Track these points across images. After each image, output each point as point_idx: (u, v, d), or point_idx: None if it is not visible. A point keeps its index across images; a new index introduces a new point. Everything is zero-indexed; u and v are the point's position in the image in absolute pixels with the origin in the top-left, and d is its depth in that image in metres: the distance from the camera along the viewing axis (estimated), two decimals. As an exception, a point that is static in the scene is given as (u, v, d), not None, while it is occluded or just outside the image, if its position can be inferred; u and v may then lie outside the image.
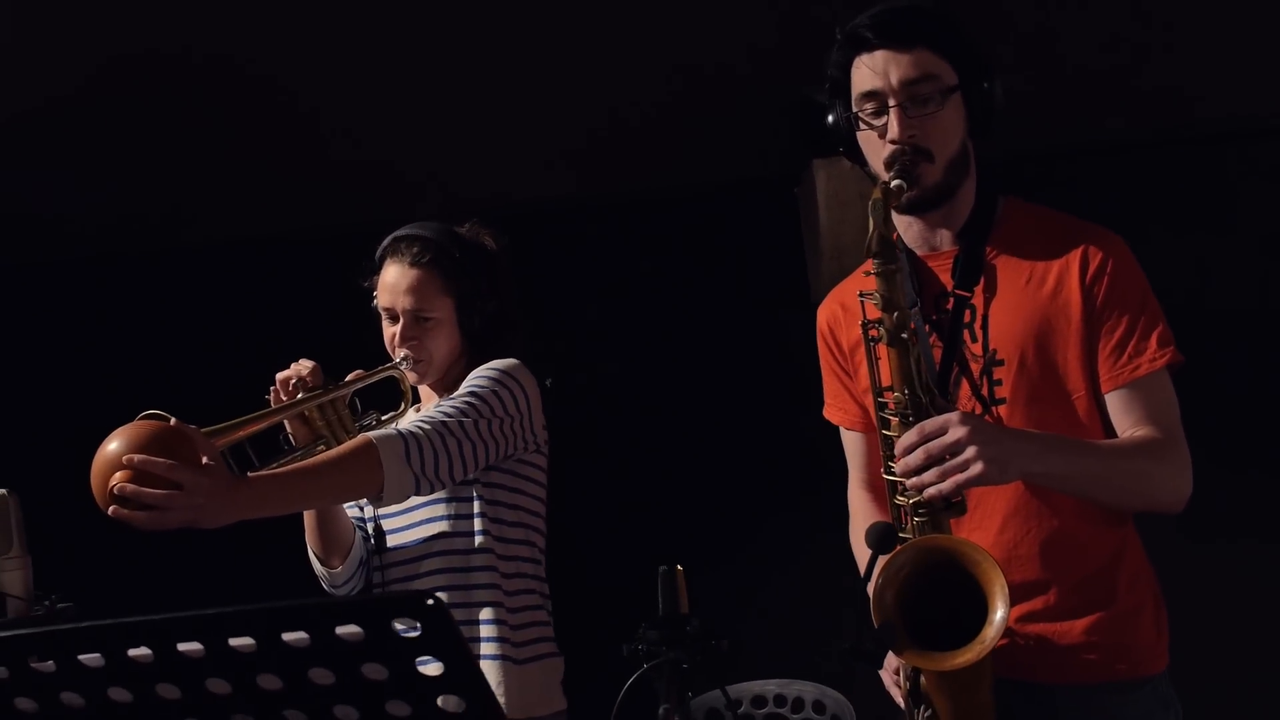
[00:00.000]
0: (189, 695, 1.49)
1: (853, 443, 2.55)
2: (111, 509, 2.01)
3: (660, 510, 4.16)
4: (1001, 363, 2.25)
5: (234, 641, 1.43)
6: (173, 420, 2.08)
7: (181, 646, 1.45)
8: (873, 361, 2.19)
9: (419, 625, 1.38)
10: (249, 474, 2.22)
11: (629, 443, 4.26)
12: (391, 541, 2.65)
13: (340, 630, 1.40)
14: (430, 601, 1.35)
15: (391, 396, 2.73)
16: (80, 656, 1.47)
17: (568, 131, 4.19)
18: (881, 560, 2.01)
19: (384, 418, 2.65)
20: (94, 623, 1.47)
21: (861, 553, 2.54)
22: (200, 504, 2.04)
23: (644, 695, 1.97)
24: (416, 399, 2.80)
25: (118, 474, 2.00)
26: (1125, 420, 2.22)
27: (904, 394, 2.11)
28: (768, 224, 4.33)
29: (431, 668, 1.42)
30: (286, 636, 1.42)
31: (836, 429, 2.57)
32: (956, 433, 2.04)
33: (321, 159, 4.13)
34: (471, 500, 2.60)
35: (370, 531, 2.69)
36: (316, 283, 3.79)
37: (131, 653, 1.47)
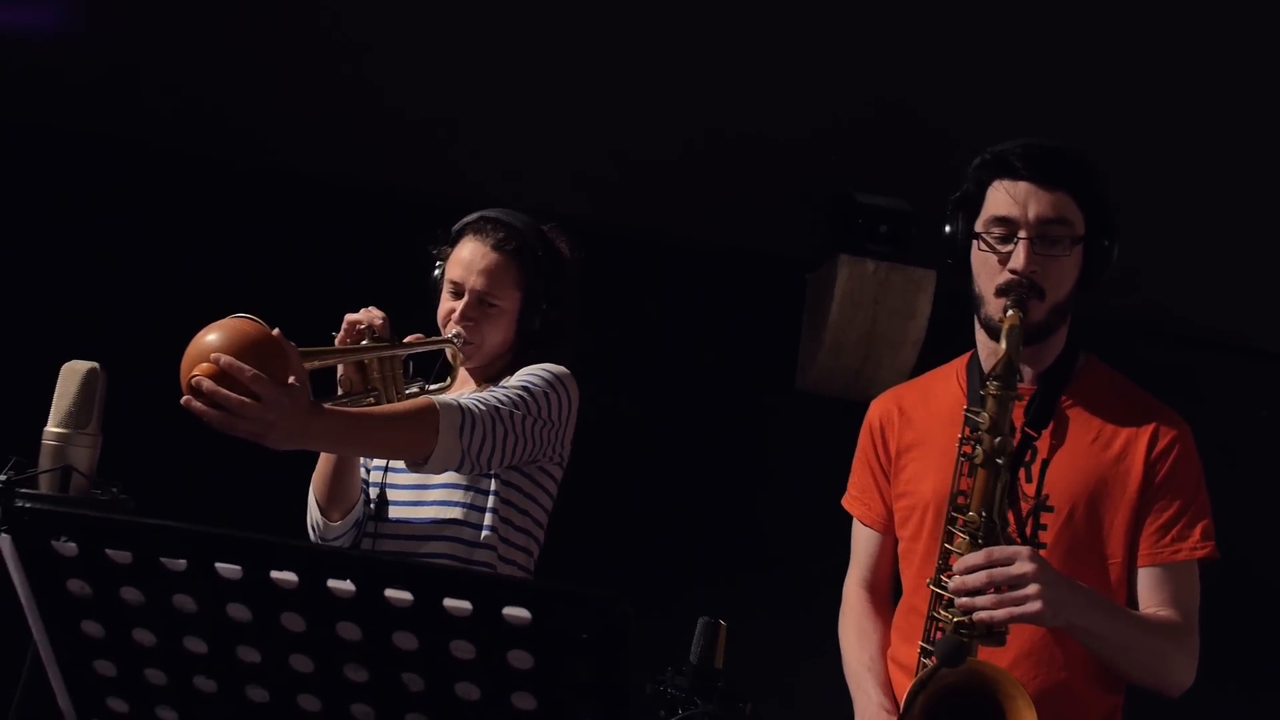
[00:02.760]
0: (314, 630, 1.44)
1: (866, 540, 2.59)
2: (185, 398, 1.95)
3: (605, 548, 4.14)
4: (1051, 509, 2.31)
5: (389, 593, 1.40)
6: (275, 331, 2.02)
7: (330, 583, 1.41)
8: (958, 475, 2.23)
9: (588, 628, 1.36)
10: (324, 406, 2.15)
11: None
12: (395, 514, 2.60)
13: (507, 610, 1.37)
14: (620, 610, 1.33)
15: (421, 367, 2.69)
16: (218, 566, 1.42)
17: (603, 157, 4.21)
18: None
19: (430, 387, 2.61)
20: (245, 534, 1.42)
21: (848, 643, 2.55)
22: (272, 421, 1.97)
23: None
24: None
25: (203, 365, 1.93)
26: (1152, 598, 2.29)
27: (979, 515, 2.16)
28: (771, 300, 4.37)
29: (583, 674, 1.40)
30: (448, 602, 1.38)
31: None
32: (1024, 567, 2.09)
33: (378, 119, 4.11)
34: (487, 494, 2.56)
35: (374, 496, 2.63)
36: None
37: (274, 575, 1.42)
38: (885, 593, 2.58)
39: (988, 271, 2.32)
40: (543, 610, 1.36)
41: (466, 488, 2.56)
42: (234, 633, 1.47)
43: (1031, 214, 2.27)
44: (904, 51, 3.92)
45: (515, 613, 1.38)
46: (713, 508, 4.29)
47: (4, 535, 1.46)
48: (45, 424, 1.85)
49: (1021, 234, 2.28)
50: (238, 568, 1.42)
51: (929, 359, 3.98)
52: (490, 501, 2.56)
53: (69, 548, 1.45)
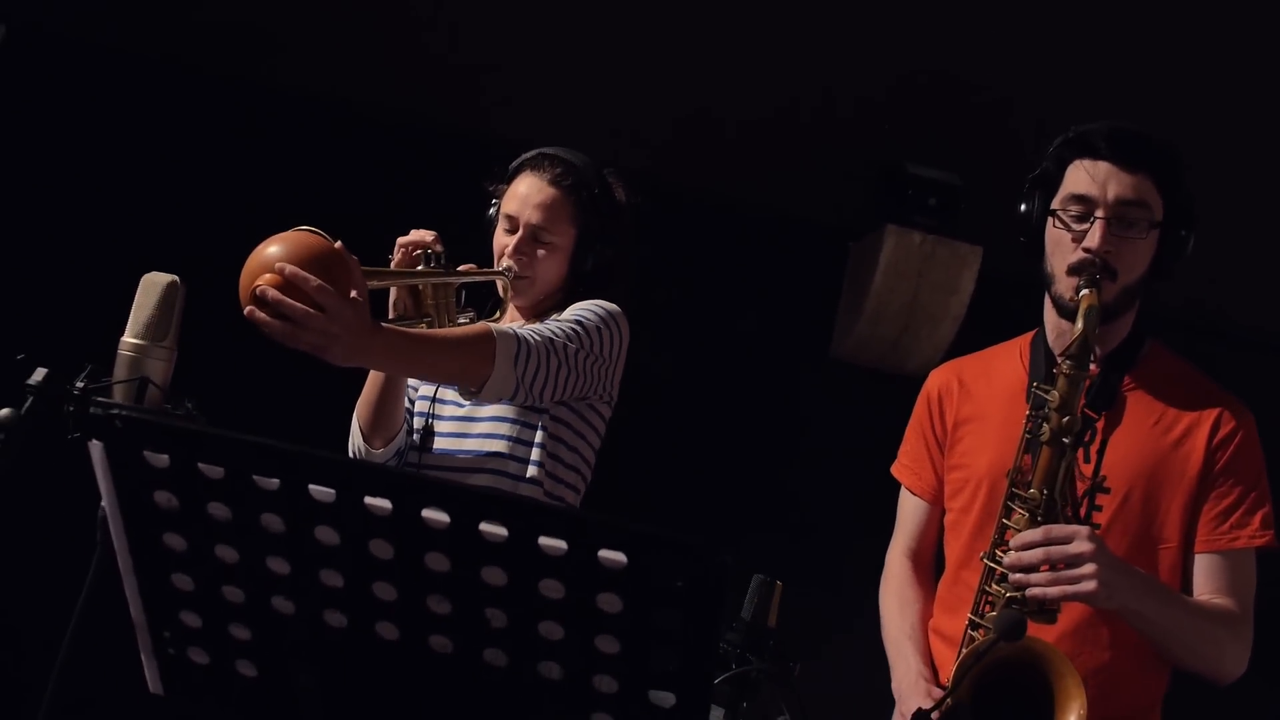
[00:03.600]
0: (402, 558, 1.43)
1: (913, 509, 2.57)
2: (249, 309, 1.93)
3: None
4: (1107, 491, 2.30)
5: (484, 527, 1.38)
6: (338, 243, 2.00)
7: (425, 513, 1.39)
8: (1020, 450, 2.22)
9: (684, 576, 1.35)
10: (383, 325, 2.14)
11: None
12: (440, 445, 2.59)
13: (602, 553, 1.36)
14: (720, 559, 1.31)
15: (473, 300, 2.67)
16: (312, 487, 1.41)
17: (654, 114, 4.17)
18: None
19: (481, 320, 2.59)
20: (343, 458, 1.41)
21: (889, 610, 2.54)
22: (336, 334, 1.94)
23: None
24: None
25: (267, 275, 1.91)
26: (1207, 585, 2.29)
27: (1041, 493, 2.15)
28: (810, 265, 4.34)
29: (672, 622, 1.38)
30: (543, 540, 1.37)
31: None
32: (1082, 546, 2.08)
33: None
34: (535, 429, 2.54)
35: (419, 427, 2.62)
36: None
37: (368, 501, 1.41)
38: (928, 562, 2.58)
39: (1061, 250, 2.30)
40: (639, 555, 1.35)
41: (513, 421, 2.54)
42: (319, 556, 1.45)
43: (1110, 194, 2.25)
44: (965, 25, 3.88)
45: (610, 556, 1.36)
46: (740, 470, 4.27)
47: (95, 443, 1.44)
48: (121, 335, 1.83)
49: (1098, 213, 2.26)
50: (331, 491, 1.41)
51: (968, 335, 3.97)
52: (538, 437, 2.53)
53: (161, 459, 1.43)
